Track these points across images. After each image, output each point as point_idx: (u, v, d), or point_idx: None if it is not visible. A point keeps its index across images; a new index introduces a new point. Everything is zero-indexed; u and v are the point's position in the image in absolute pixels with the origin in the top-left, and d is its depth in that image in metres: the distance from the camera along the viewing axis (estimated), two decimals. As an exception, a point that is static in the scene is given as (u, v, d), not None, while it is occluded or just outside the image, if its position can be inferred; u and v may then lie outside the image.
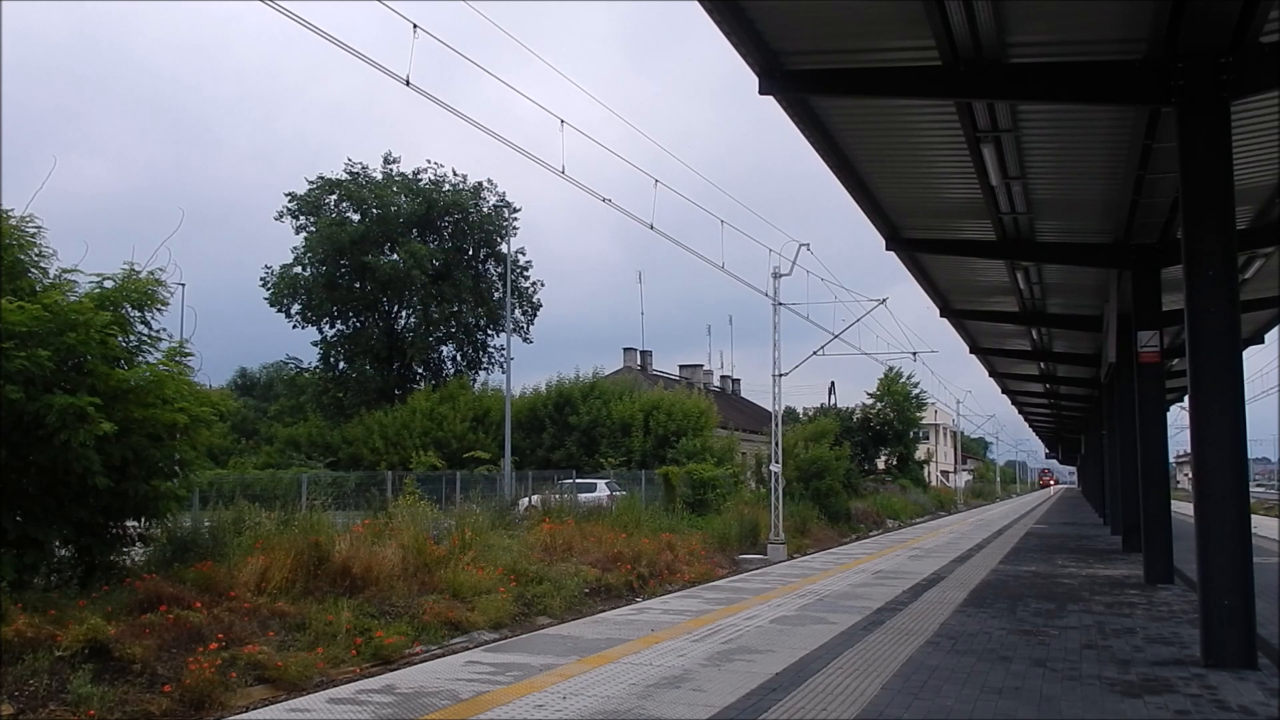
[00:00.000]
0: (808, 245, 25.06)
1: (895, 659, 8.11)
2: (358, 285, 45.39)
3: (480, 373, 48.31)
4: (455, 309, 45.94)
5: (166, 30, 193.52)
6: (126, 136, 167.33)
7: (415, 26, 11.34)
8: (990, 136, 11.10)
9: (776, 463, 25.70)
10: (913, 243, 16.16)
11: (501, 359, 45.98)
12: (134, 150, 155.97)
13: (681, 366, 61.76)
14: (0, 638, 7.89)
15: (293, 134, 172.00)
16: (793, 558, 22.35)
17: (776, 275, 25.49)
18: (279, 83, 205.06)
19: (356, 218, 45.38)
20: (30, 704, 7.38)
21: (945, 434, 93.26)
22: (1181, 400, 32.34)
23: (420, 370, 47.85)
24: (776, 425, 26.37)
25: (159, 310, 11.16)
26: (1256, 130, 10.45)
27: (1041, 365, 32.08)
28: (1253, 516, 8.76)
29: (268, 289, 45.56)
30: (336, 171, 46.18)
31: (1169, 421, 15.63)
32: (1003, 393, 46.32)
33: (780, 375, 26.31)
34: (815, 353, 32.08)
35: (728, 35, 8.92)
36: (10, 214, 10.49)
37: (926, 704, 6.52)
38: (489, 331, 48.26)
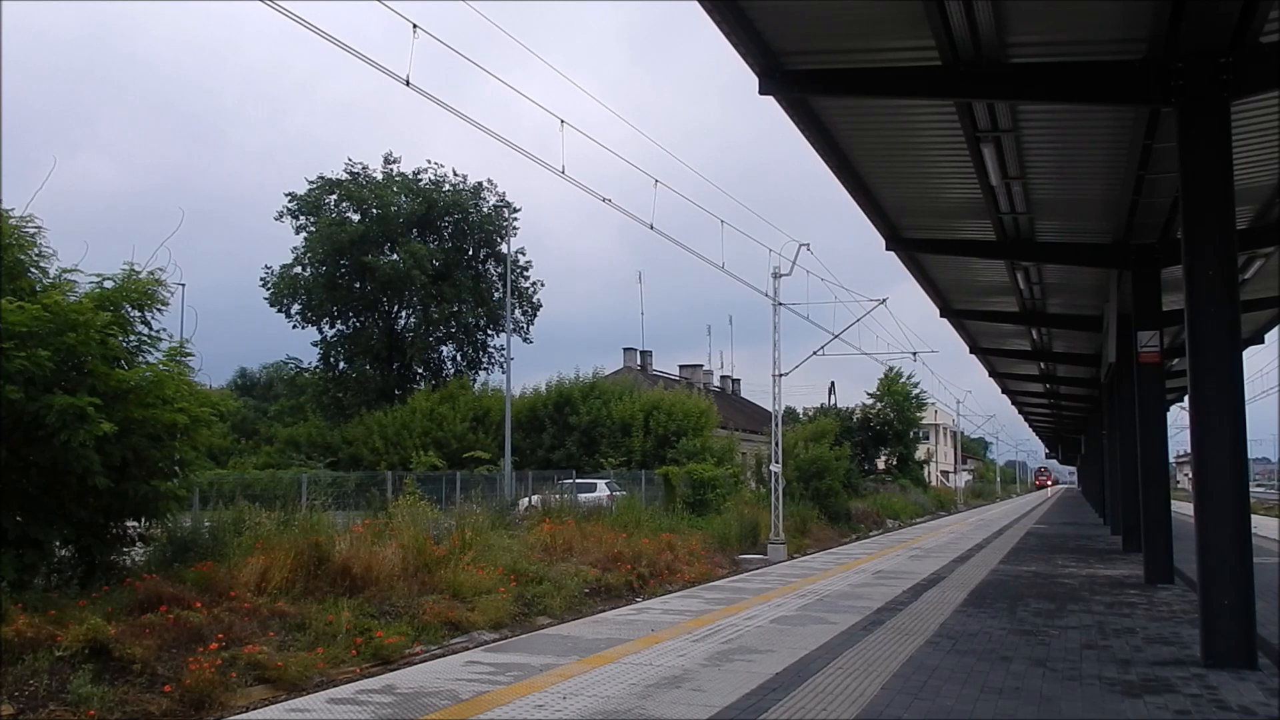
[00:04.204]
0: (808, 245, 25.08)
1: (895, 659, 8.11)
2: (358, 285, 45.37)
3: (480, 373, 48.37)
4: (455, 309, 45.91)
5: (173, 30, 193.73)
6: (133, 136, 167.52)
7: (415, 27, 11.34)
8: (990, 136, 11.10)
9: (776, 463, 25.69)
10: (913, 243, 16.16)
11: (501, 359, 46.04)
12: (140, 150, 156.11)
13: (681, 366, 61.80)
14: (0, 638, 7.89)
15: (299, 134, 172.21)
16: (793, 558, 22.35)
17: (776, 275, 25.49)
18: (285, 83, 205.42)
19: (356, 218, 45.37)
20: (30, 704, 7.38)
21: (945, 434, 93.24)
22: (1181, 400, 32.34)
23: (420, 370, 47.84)
24: (776, 425, 26.37)
25: (159, 310, 11.18)
26: (1256, 130, 10.45)
27: (1041, 365, 32.08)
28: (1253, 516, 8.76)
29: (268, 289, 45.60)
30: (339, 171, 46.29)
31: (1169, 421, 15.64)
32: (1003, 393, 46.32)
33: (780, 375, 26.32)
34: (815, 353, 32.11)
35: (728, 35, 8.92)
36: (10, 214, 10.50)
37: (926, 704, 6.52)
38: (489, 331, 48.27)
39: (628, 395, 39.72)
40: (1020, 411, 57.41)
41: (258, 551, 11.34)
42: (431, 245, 45.53)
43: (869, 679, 7.29)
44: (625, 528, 19.10)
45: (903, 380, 55.44)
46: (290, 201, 45.63)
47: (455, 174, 47.01)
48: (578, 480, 28.33)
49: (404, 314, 47.12)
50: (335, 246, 43.87)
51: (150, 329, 11.17)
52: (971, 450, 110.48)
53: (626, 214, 18.01)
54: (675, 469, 29.00)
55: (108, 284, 10.75)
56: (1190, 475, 9.60)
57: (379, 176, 46.29)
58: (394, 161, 46.85)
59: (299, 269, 45.46)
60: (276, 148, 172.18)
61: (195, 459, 11.62)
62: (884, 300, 30.27)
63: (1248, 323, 20.24)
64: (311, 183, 45.86)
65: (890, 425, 55.94)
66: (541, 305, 48.53)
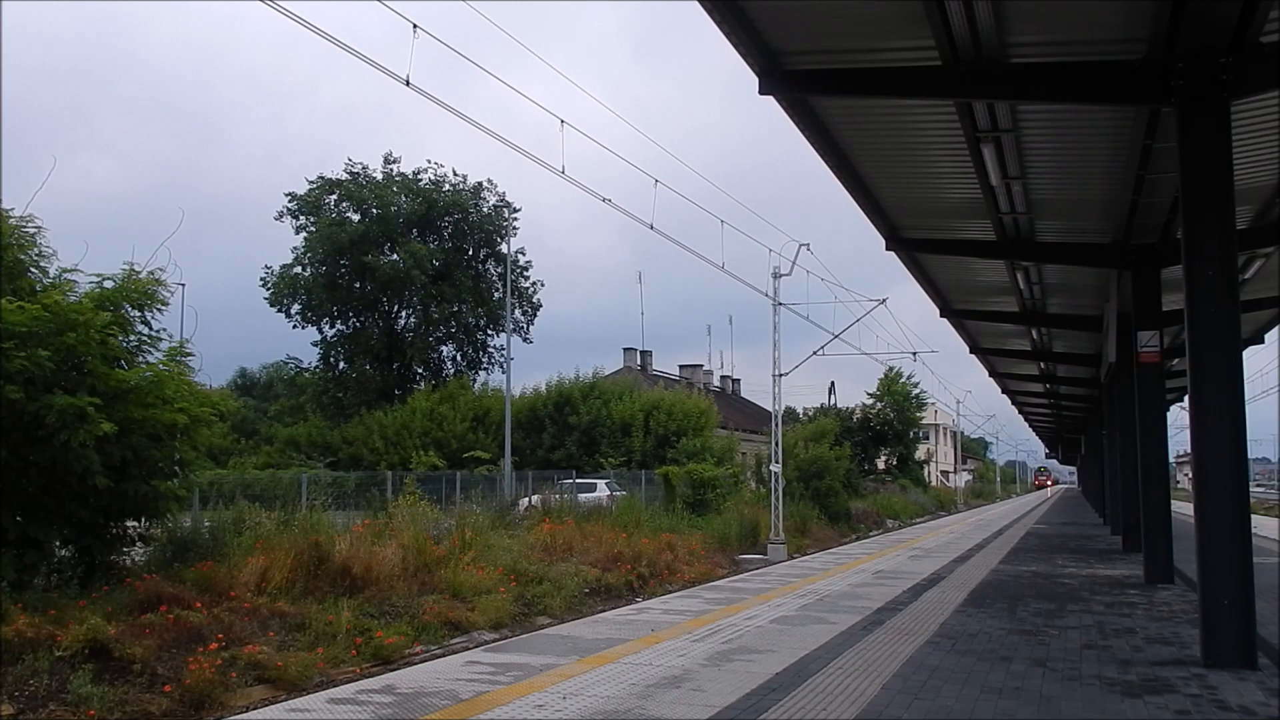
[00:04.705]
0: (808, 245, 25.10)
1: (895, 659, 8.11)
2: (358, 285, 45.38)
3: (480, 373, 48.40)
4: (455, 309, 45.93)
5: (173, 30, 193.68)
6: (133, 136, 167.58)
7: (415, 26, 11.35)
8: (990, 136, 11.10)
9: (776, 463, 25.69)
10: (913, 243, 16.16)
11: (501, 359, 46.07)
12: (141, 150, 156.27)
13: (681, 366, 61.80)
14: (0, 638, 7.89)
15: (300, 134, 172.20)
16: (793, 558, 22.35)
17: (776, 275, 25.50)
18: (286, 83, 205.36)
19: (356, 218, 45.39)
20: (30, 704, 7.38)
21: (945, 434, 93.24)
22: (1181, 400, 32.34)
23: (420, 370, 47.85)
24: (776, 425, 26.37)
25: (159, 310, 11.18)
26: (1256, 130, 10.45)
27: (1041, 365, 32.07)
28: (1253, 516, 8.76)
29: (268, 289, 45.61)
30: (339, 171, 46.30)
31: (1169, 421, 15.64)
32: (1003, 393, 46.31)
33: (780, 375, 26.32)
34: (815, 353, 32.08)
35: (727, 35, 8.92)
36: (10, 214, 10.50)
37: (926, 704, 6.52)
38: (489, 331, 48.30)
39: (628, 395, 39.72)
40: (1020, 411, 57.40)
41: (258, 551, 11.34)
42: (431, 245, 45.53)
43: (869, 679, 7.29)
44: (625, 528, 19.10)
45: (903, 380, 55.52)
46: (290, 201, 45.67)
47: (455, 174, 47.12)
48: (578, 480, 28.32)
49: (404, 314, 47.16)
50: (335, 246, 43.88)
51: (150, 329, 11.18)
52: (971, 450, 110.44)
53: (626, 214, 18.03)
54: (675, 469, 29.00)
55: (108, 284, 10.75)
56: (1190, 475, 9.60)
57: (379, 176, 46.32)
58: (394, 161, 46.96)
59: (299, 269, 45.50)
60: (277, 147, 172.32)
61: (195, 459, 11.63)
62: (884, 300, 30.33)
63: (1248, 323, 20.24)
64: (311, 183, 45.92)
65: (890, 425, 55.95)
66: (541, 305, 48.65)
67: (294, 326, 46.01)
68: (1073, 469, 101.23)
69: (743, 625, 10.65)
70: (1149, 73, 8.51)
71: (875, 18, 8.77)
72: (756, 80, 9.62)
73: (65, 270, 10.79)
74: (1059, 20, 8.60)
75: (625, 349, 56.65)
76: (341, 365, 47.03)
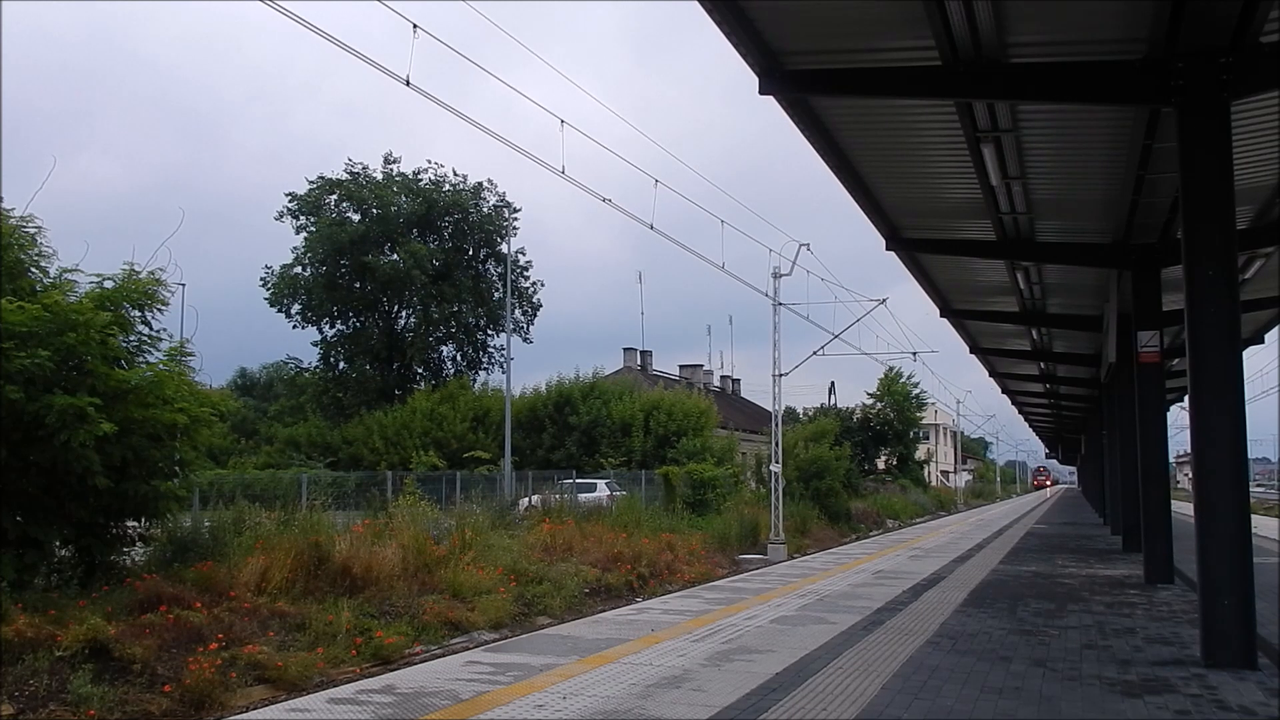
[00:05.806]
0: (808, 245, 25.11)
1: (895, 659, 8.11)
2: (358, 285, 45.38)
3: (480, 373, 48.40)
4: (455, 309, 45.94)
5: (175, 30, 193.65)
6: (135, 136, 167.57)
7: (415, 26, 11.35)
8: (990, 136, 11.10)
9: (776, 463, 25.70)
10: (913, 243, 16.16)
11: (501, 359, 46.07)
12: (142, 150, 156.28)
13: (681, 366, 61.82)
14: (0, 638, 7.89)
15: (301, 134, 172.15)
16: (793, 558, 22.36)
17: (777, 275, 25.51)
18: (288, 83, 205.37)
19: (356, 218, 45.39)
20: (30, 704, 7.38)
21: (945, 434, 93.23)
22: (1181, 400, 32.33)
23: (420, 370, 47.85)
24: (776, 425, 26.37)
25: (159, 310, 11.18)
26: (1256, 130, 10.45)
27: (1041, 365, 32.07)
28: (1253, 516, 8.76)
29: (268, 289, 45.61)
30: (339, 171, 46.29)
31: (1169, 421, 15.64)
32: (1003, 393, 46.31)
33: (780, 375, 26.32)
34: (815, 353, 32.10)
35: (728, 35, 8.93)
36: (10, 214, 10.50)
37: (926, 704, 6.52)
38: (489, 331, 48.30)
39: (628, 395, 39.72)
40: (1020, 411, 57.40)
41: (258, 551, 11.34)
42: (431, 245, 45.53)
43: (869, 679, 7.29)
44: (625, 528, 19.10)
45: (903, 380, 55.51)
46: (290, 201, 45.64)
47: (455, 174, 47.09)
48: (578, 480, 28.33)
49: (404, 314, 47.15)
50: (335, 246, 43.88)
51: (150, 329, 11.19)
52: (971, 450, 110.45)
53: (627, 214, 18.03)
54: (675, 469, 29.00)
55: (108, 284, 10.75)
56: (1190, 475, 9.60)
57: (379, 176, 46.31)
58: (394, 161, 46.94)
59: (299, 269, 45.49)
60: (278, 147, 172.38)
61: (195, 459, 11.63)
62: (884, 300, 30.41)
63: (1248, 323, 20.24)
64: (312, 183, 45.91)
65: (890, 425, 55.95)
66: (541, 305, 48.63)
67: (294, 326, 46.09)
68: (1073, 469, 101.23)
69: (743, 625, 10.65)
70: (1149, 73, 8.51)
71: (875, 18, 8.77)
72: (757, 80, 9.62)
73: (65, 270, 10.80)
74: (1059, 20, 8.60)
75: (625, 349, 56.71)
76: (341, 365, 47.03)
